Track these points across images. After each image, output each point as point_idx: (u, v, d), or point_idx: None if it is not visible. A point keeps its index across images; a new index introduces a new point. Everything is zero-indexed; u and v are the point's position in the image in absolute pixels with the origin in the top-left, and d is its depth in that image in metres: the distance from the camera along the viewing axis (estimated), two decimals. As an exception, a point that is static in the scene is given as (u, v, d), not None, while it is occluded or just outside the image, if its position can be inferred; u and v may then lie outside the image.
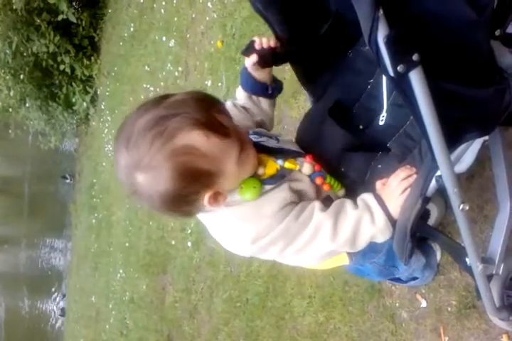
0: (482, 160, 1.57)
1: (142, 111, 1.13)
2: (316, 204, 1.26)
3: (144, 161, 1.10)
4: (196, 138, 1.10)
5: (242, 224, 1.24)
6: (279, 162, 1.29)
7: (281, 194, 1.25)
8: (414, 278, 1.92)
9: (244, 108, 1.51)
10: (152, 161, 1.09)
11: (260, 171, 1.26)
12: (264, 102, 1.52)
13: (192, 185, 1.14)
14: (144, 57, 5.55)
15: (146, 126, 1.10)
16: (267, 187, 1.24)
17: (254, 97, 1.51)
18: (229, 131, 1.16)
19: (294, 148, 1.43)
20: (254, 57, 1.40)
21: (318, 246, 1.25)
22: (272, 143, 1.37)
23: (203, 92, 1.21)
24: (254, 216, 1.23)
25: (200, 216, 1.31)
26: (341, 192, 1.39)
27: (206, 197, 1.17)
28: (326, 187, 1.34)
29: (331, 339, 2.41)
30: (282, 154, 1.32)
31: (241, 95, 1.52)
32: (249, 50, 1.42)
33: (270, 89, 1.50)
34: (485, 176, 1.74)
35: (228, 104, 1.49)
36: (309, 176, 1.32)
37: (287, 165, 1.29)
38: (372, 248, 1.39)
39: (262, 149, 1.31)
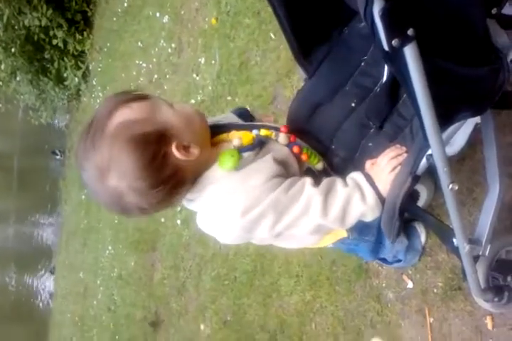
0: (474, 143, 1.57)
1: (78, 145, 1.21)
2: (307, 180, 1.25)
3: (99, 163, 1.14)
4: (120, 114, 1.16)
5: (230, 197, 1.22)
6: (255, 131, 1.31)
7: (266, 164, 1.24)
8: (399, 260, 1.94)
9: None
10: (103, 157, 1.13)
11: (236, 142, 1.27)
12: None
13: (148, 147, 1.15)
14: (137, 32, 5.48)
15: (82, 143, 1.18)
16: (246, 154, 1.24)
17: None
18: (144, 94, 1.23)
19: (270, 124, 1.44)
20: None
21: (309, 221, 1.23)
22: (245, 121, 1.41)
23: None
24: (241, 187, 1.21)
25: (190, 205, 1.32)
26: (319, 165, 1.39)
27: (174, 150, 1.17)
28: (304, 157, 1.34)
29: (317, 318, 2.43)
30: (256, 127, 1.35)
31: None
32: None
33: None
34: (476, 159, 1.75)
35: None
36: (287, 146, 1.33)
37: (263, 132, 1.31)
38: (366, 223, 1.39)
39: (230, 127, 1.34)
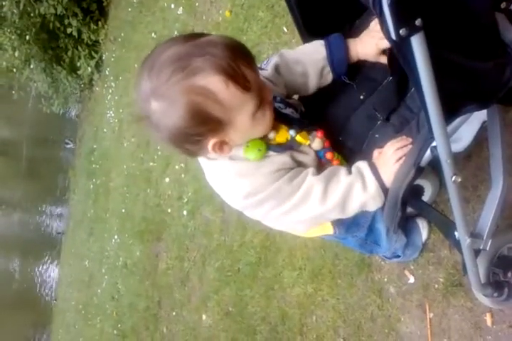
0: (480, 140, 1.57)
1: (170, 44, 1.15)
2: (310, 170, 1.28)
3: (160, 89, 1.11)
4: (215, 83, 1.10)
5: (238, 179, 1.26)
6: (292, 132, 1.29)
7: (281, 159, 1.27)
8: (397, 256, 1.96)
9: (290, 68, 1.43)
10: (168, 92, 1.11)
11: (271, 135, 1.28)
12: (329, 79, 1.44)
13: (199, 127, 1.15)
14: (151, 24, 5.49)
15: (170, 58, 1.11)
16: (271, 153, 1.26)
17: (327, 69, 1.41)
18: (250, 86, 1.15)
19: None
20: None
21: (307, 209, 1.27)
22: (292, 115, 1.37)
23: (236, 40, 1.19)
24: (251, 173, 1.25)
25: (202, 161, 1.33)
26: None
27: (211, 143, 1.18)
28: (335, 163, 1.36)
29: (318, 311, 2.44)
30: (298, 125, 1.32)
31: (316, 56, 1.40)
32: None
33: (346, 78, 1.44)
34: (482, 156, 1.75)
35: (270, 66, 1.42)
36: (317, 152, 1.33)
37: (298, 138, 1.30)
38: (355, 222, 1.41)
39: (280, 116, 1.31)
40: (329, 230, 1.47)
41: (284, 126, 1.29)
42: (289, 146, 1.28)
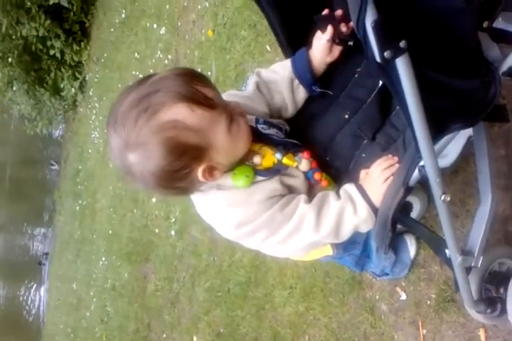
0: (467, 155, 1.58)
1: (126, 93, 1.14)
2: (302, 197, 1.27)
3: (131, 139, 1.10)
4: (180, 112, 1.10)
5: (229, 210, 1.25)
6: (278, 156, 1.28)
7: (271, 185, 1.26)
8: (386, 274, 1.95)
9: (268, 88, 1.43)
10: (139, 138, 1.10)
11: (256, 160, 1.27)
12: (301, 92, 1.43)
13: (181, 159, 1.13)
14: (134, 44, 5.51)
15: (130, 104, 1.10)
16: (259, 178, 1.24)
17: (296, 82, 1.42)
18: (214, 103, 1.15)
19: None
20: (329, 31, 1.33)
21: (302, 237, 1.26)
22: (277, 136, 1.35)
23: (185, 67, 1.21)
24: (242, 203, 1.24)
25: (193, 196, 1.31)
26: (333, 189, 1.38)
27: (200, 171, 1.17)
28: (324, 183, 1.35)
29: (311, 330, 2.42)
30: (283, 147, 1.31)
31: (284, 72, 1.42)
32: (321, 23, 1.33)
33: (317, 87, 1.43)
34: (469, 171, 1.75)
35: (251, 85, 1.43)
36: (306, 173, 1.32)
37: (285, 160, 1.28)
38: (352, 240, 1.40)
39: (263, 138, 1.30)
40: (328, 251, 1.45)
41: (270, 150, 1.28)
42: (277, 170, 1.27)
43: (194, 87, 1.12)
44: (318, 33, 1.37)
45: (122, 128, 1.11)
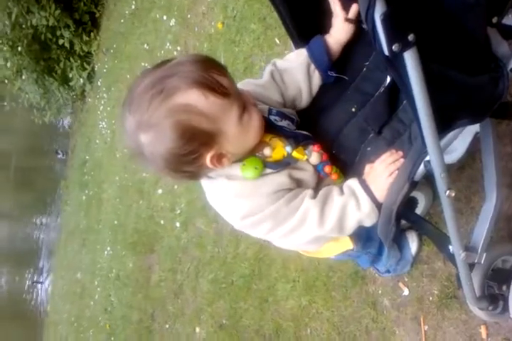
0: (473, 152, 1.58)
1: (144, 75, 1.16)
2: (308, 192, 1.27)
3: (144, 120, 1.12)
4: (194, 97, 1.12)
5: (236, 200, 1.26)
6: (288, 149, 1.28)
7: (279, 179, 1.26)
8: (389, 271, 1.95)
9: (283, 77, 1.43)
10: (151, 119, 1.11)
11: (267, 152, 1.27)
12: (316, 79, 1.43)
13: (191, 143, 1.14)
14: (144, 35, 5.50)
15: (145, 87, 1.13)
16: (268, 170, 1.25)
17: (312, 67, 1.41)
18: (228, 91, 1.16)
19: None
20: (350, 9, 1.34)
21: (306, 232, 1.27)
22: (289, 128, 1.36)
23: (203, 54, 1.22)
24: (249, 194, 1.25)
25: (203, 182, 1.32)
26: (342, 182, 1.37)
27: (208, 157, 1.18)
28: (334, 177, 1.35)
29: (313, 324, 2.42)
30: (294, 140, 1.31)
31: (299, 59, 1.42)
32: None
33: (332, 73, 1.42)
34: (475, 168, 1.75)
35: (266, 74, 1.43)
36: (316, 166, 1.32)
37: (295, 154, 1.29)
38: (369, 236, 1.41)
39: (275, 129, 1.31)
40: (349, 245, 1.46)
41: (280, 143, 1.29)
42: (286, 163, 1.27)
43: (210, 75, 1.14)
44: (336, 11, 1.37)
45: (136, 109, 1.13)
